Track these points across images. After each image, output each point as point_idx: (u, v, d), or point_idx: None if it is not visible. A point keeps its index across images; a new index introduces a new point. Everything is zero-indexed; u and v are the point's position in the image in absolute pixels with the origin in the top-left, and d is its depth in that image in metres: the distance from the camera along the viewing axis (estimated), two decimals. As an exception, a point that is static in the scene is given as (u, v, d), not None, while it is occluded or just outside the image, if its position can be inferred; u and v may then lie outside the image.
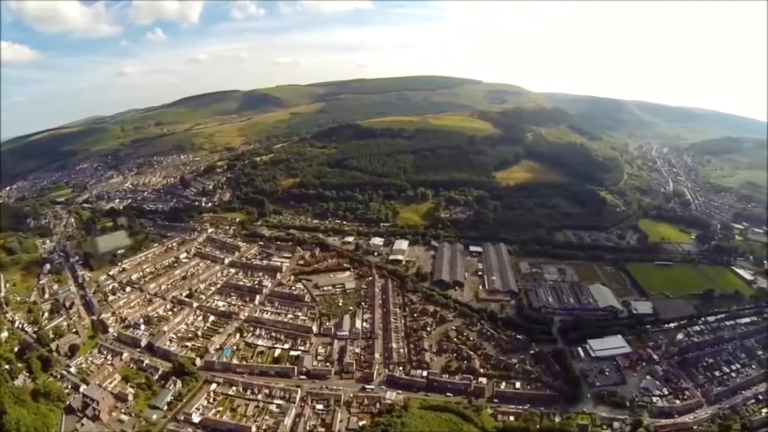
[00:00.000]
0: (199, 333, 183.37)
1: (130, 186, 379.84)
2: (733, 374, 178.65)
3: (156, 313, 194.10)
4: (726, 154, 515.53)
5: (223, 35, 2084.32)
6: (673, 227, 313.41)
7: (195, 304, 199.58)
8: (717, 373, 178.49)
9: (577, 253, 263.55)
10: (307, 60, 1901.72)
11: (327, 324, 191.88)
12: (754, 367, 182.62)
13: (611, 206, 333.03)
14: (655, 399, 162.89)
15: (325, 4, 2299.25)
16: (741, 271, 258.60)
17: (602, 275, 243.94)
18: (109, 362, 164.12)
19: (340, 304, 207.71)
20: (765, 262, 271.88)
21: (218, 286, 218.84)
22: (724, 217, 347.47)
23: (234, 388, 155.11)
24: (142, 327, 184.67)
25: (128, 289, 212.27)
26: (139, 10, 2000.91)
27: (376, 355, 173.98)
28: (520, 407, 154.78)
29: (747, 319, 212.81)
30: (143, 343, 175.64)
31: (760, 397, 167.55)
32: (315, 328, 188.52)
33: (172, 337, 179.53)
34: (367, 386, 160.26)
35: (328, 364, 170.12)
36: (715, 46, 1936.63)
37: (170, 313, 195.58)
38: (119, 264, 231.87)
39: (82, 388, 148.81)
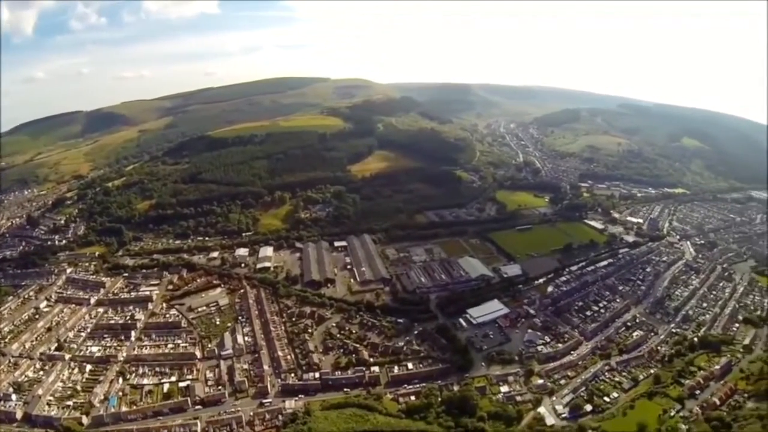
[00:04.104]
0: (79, 387, 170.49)
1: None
2: (602, 310, 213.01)
3: (26, 377, 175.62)
4: (566, 124, 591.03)
5: (62, 49, 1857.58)
6: (528, 194, 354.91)
7: (67, 357, 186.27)
8: (588, 313, 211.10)
9: (440, 231, 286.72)
10: (152, 72, 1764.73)
11: (209, 346, 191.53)
12: (618, 300, 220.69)
13: (468, 183, 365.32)
14: (539, 348, 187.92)
15: (170, 10, 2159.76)
16: (593, 223, 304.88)
17: (469, 248, 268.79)
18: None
19: (218, 322, 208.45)
20: (611, 211, 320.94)
21: (89, 330, 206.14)
22: (571, 178, 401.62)
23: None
24: (14, 397, 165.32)
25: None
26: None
27: (266, 367, 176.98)
28: (418, 386, 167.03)
29: (605, 262, 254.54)
30: (18, 415, 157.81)
31: (629, 324, 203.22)
32: (198, 353, 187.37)
33: (50, 400, 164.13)
34: (264, 401, 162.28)
35: (220, 387, 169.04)
36: (543, 29, 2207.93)
37: (42, 373, 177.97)
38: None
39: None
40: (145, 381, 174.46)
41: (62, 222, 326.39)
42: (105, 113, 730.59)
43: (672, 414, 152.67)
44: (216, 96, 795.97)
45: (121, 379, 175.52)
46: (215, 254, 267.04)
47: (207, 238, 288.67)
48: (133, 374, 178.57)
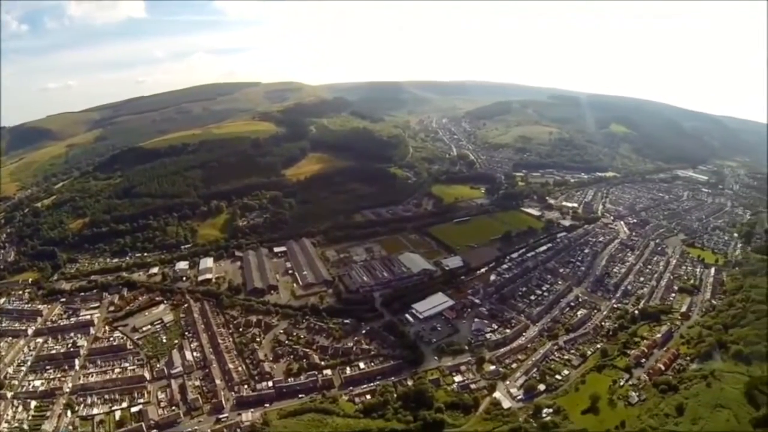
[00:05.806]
0: (26, 426, 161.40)
1: None
2: (546, 293, 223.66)
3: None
4: (498, 117, 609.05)
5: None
6: (464, 186, 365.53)
7: (9, 394, 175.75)
8: (532, 297, 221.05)
9: (379, 229, 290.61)
10: (78, 82, 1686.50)
11: (158, 366, 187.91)
12: (560, 282, 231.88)
13: (403, 180, 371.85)
14: (488, 335, 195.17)
15: (95, 15, 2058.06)
16: (529, 210, 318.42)
17: (409, 244, 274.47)
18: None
19: (164, 340, 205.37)
20: (546, 198, 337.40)
21: (29, 363, 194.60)
22: (506, 168, 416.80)
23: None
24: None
25: None
26: None
27: (218, 381, 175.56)
28: (373, 384, 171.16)
29: (544, 247, 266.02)
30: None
31: (572, 303, 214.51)
32: (147, 375, 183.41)
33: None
34: (220, 416, 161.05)
35: (174, 407, 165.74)
36: (473, 26, 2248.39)
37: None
38: None
39: None
40: (95, 411, 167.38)
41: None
42: (29, 128, 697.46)
43: (622, 383, 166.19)
44: (146, 105, 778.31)
45: (69, 412, 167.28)
46: (155, 270, 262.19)
47: (146, 254, 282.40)
48: (82, 405, 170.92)
